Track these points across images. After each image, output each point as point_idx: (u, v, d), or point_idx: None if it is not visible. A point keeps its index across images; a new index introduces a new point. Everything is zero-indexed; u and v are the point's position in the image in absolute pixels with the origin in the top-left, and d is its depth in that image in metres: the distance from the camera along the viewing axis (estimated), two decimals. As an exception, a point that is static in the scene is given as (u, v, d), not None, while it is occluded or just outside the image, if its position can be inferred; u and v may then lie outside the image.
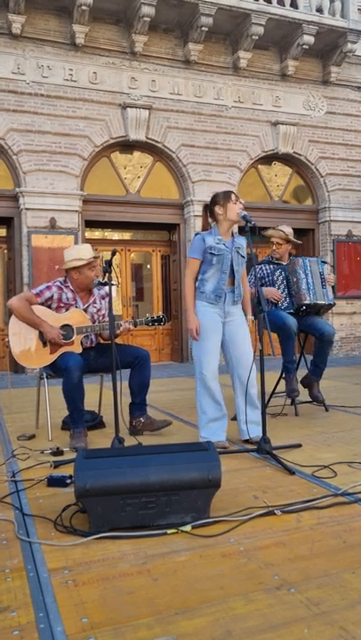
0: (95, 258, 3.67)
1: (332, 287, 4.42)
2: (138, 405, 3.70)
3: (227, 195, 3.37)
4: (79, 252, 3.67)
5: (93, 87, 8.78)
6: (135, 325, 3.72)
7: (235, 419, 3.54)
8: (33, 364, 3.64)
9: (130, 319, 3.79)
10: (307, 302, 4.18)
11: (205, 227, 3.48)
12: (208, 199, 3.53)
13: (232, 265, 3.35)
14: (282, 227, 4.46)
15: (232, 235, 3.43)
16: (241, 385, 3.38)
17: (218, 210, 3.37)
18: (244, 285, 3.54)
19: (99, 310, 3.80)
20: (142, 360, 3.65)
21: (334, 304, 4.44)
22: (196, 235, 3.42)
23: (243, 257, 3.42)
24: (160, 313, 3.89)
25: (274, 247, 4.43)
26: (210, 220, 3.46)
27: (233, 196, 3.35)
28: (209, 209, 3.45)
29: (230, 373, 3.45)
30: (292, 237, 4.43)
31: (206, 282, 3.34)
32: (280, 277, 4.33)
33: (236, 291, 3.38)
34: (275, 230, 4.42)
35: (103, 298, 3.85)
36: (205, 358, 3.30)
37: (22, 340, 3.58)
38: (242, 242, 3.43)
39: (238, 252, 3.39)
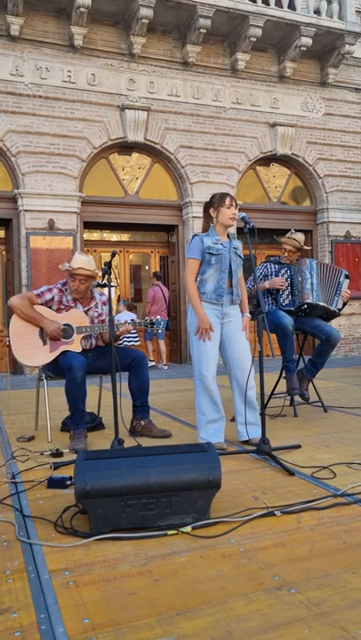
0: (72, 270, 3.61)
1: (344, 302, 4.42)
2: (140, 408, 3.71)
3: (221, 198, 3.36)
4: (72, 260, 3.69)
5: (92, 89, 8.79)
6: (135, 326, 3.75)
7: (234, 420, 3.55)
8: (33, 362, 3.65)
9: (129, 320, 3.82)
10: (308, 301, 4.20)
11: (206, 226, 3.48)
12: (206, 200, 3.54)
13: (230, 265, 3.37)
14: (295, 235, 4.47)
15: (228, 236, 3.44)
16: (239, 386, 3.39)
17: (211, 212, 3.40)
18: (242, 287, 3.55)
19: (100, 315, 3.83)
20: (139, 362, 3.67)
21: (339, 314, 4.44)
22: (193, 236, 3.43)
23: (240, 258, 3.45)
24: (159, 317, 3.91)
25: (286, 254, 4.45)
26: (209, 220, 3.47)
27: (227, 201, 3.34)
28: (205, 209, 3.47)
29: (228, 374, 3.46)
30: (303, 245, 4.46)
31: (206, 282, 3.35)
32: (285, 276, 4.35)
33: (235, 291, 3.40)
34: (290, 239, 4.43)
35: (105, 304, 3.88)
36: (205, 359, 3.30)
37: (22, 338, 3.60)
38: (238, 244, 3.46)
39: (236, 253, 3.41)
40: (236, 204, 3.42)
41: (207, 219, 3.46)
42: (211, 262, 3.33)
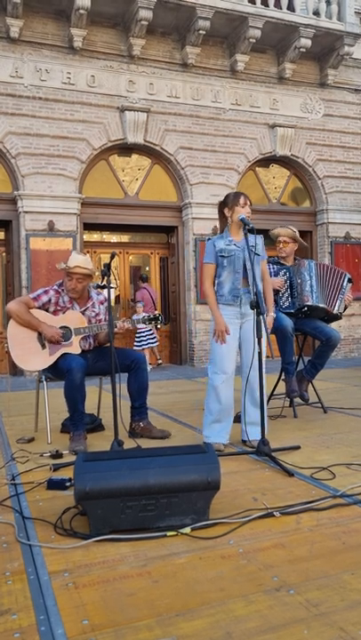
0: (69, 269, 3.59)
1: (346, 305, 4.39)
2: (138, 409, 3.71)
3: (236, 198, 3.38)
4: (69, 259, 3.66)
5: (91, 90, 8.80)
6: (133, 324, 3.73)
7: (237, 419, 3.54)
8: (33, 367, 3.64)
9: (127, 318, 3.80)
10: (308, 304, 4.19)
11: (222, 227, 3.49)
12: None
13: (244, 264, 3.35)
14: (288, 226, 4.47)
15: (245, 234, 3.41)
16: (250, 386, 3.38)
17: (226, 212, 3.41)
18: (267, 283, 3.54)
19: (97, 315, 3.80)
20: (138, 363, 3.67)
21: (341, 317, 4.42)
22: (208, 240, 3.45)
23: (258, 255, 3.36)
24: (157, 312, 3.90)
25: (281, 246, 4.41)
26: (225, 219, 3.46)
27: (241, 200, 3.36)
28: (220, 209, 3.47)
29: (241, 373, 3.45)
30: (299, 237, 4.44)
31: (223, 284, 3.37)
32: (284, 277, 4.34)
33: (252, 290, 3.37)
34: (283, 229, 4.41)
35: (102, 303, 3.86)
36: (219, 360, 3.32)
37: (21, 343, 3.59)
38: (258, 240, 3.37)
39: (252, 251, 3.32)
40: (251, 202, 3.43)
41: (223, 219, 3.48)
42: (223, 265, 3.35)
